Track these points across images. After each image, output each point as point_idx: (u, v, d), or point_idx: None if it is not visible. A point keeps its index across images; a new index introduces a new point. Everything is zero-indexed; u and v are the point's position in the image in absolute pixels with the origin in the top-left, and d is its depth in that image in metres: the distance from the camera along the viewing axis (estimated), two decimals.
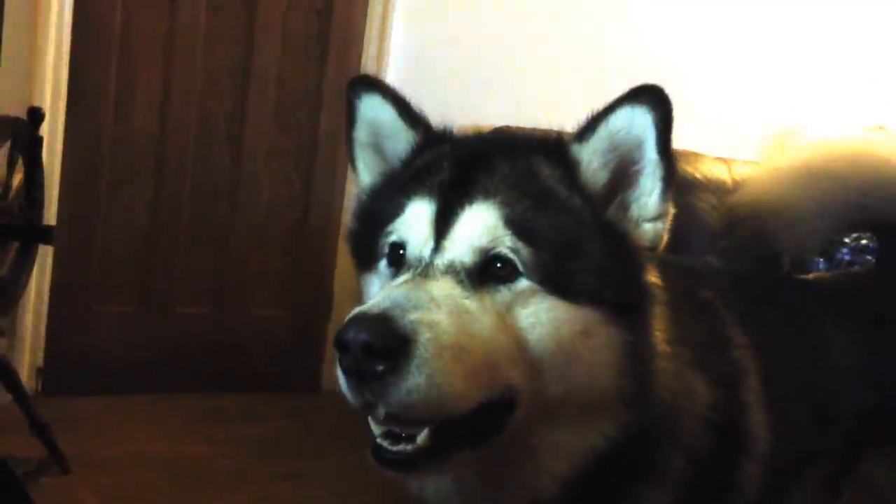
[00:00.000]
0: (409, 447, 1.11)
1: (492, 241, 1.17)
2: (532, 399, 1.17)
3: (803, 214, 1.80)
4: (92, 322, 3.63)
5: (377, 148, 1.44)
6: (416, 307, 1.08)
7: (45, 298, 3.49)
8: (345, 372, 1.09)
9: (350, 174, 3.89)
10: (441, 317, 1.09)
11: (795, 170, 1.84)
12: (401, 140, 1.41)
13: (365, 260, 1.35)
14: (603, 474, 1.24)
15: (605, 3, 4.17)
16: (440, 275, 1.16)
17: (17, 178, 2.82)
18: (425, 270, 1.17)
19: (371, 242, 1.32)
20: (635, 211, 1.26)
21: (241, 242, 3.85)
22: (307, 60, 3.84)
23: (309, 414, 3.70)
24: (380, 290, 1.22)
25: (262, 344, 3.92)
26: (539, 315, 1.16)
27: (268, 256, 3.92)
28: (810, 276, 2.24)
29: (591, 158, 1.26)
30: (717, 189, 3.77)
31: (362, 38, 3.87)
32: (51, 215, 3.25)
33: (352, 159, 1.46)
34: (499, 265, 1.17)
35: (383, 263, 1.29)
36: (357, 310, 1.09)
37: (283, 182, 3.90)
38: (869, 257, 3.24)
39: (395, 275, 1.22)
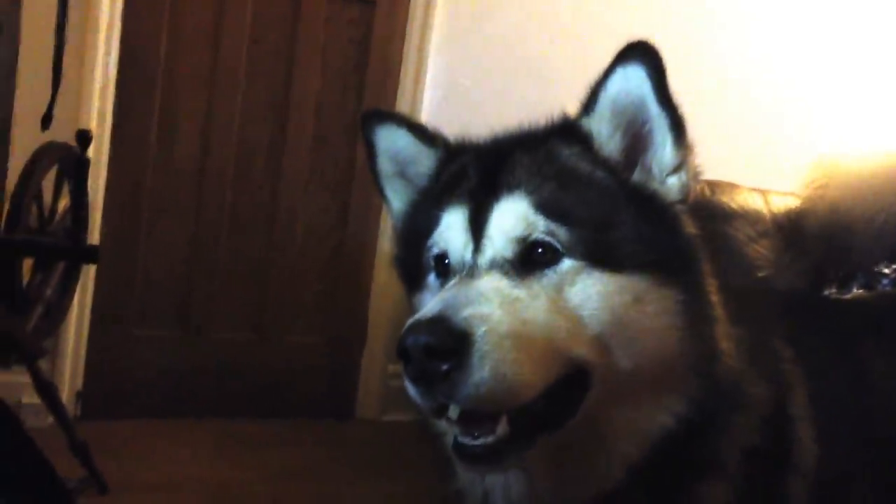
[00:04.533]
0: (491, 438, 1.12)
1: (526, 228, 1.20)
2: (605, 374, 1.17)
3: (884, 225, 1.78)
4: (131, 346, 3.67)
5: (402, 174, 1.49)
6: (467, 304, 1.10)
7: (86, 322, 3.54)
8: (412, 380, 1.10)
9: (384, 204, 3.95)
10: (493, 308, 1.11)
11: (871, 181, 1.81)
12: (423, 162, 1.46)
13: (414, 279, 1.38)
14: (664, 466, 1.23)
15: (644, 29, 4.19)
16: (485, 272, 1.18)
17: (63, 204, 2.87)
18: (470, 272, 1.19)
19: (416, 261, 1.35)
20: (656, 168, 1.27)
21: (279, 269, 3.88)
22: (345, 91, 3.90)
23: (343, 441, 3.72)
24: None
25: (298, 370, 3.94)
26: (588, 290, 1.17)
27: (304, 283, 3.94)
28: (848, 296, 2.23)
29: (601, 128, 1.29)
30: (753, 219, 3.75)
31: (399, 68, 3.93)
32: (94, 239, 3.31)
33: (381, 190, 1.52)
34: (540, 250, 1.19)
35: (431, 277, 1.32)
36: (412, 318, 1.11)
37: (320, 211, 3.94)
38: None
39: (444, 285, 1.24)
